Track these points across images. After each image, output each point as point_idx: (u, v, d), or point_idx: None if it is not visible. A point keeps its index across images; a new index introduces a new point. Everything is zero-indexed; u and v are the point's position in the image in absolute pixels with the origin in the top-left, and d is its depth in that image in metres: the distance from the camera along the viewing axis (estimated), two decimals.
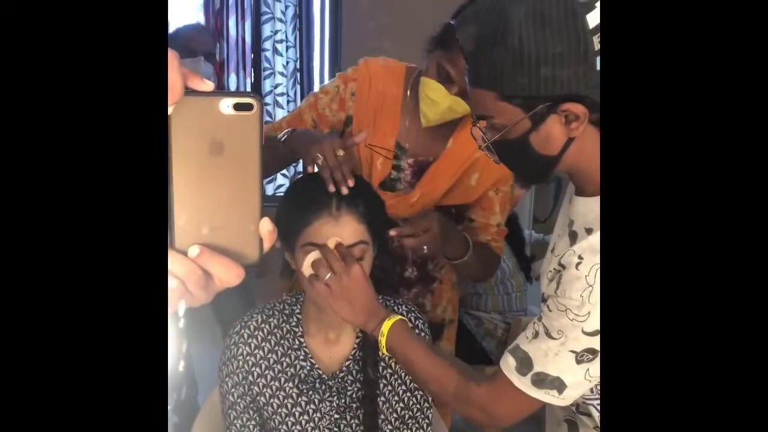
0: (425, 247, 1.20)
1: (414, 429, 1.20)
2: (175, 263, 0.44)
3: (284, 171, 3.36)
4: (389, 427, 1.16)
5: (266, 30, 3.23)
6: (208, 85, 0.45)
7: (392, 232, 1.17)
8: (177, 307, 0.45)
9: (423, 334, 1.20)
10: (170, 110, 0.44)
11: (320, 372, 1.14)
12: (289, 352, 1.14)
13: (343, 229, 1.05)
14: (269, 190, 3.40)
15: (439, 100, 1.22)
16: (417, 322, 1.21)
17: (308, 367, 1.14)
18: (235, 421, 1.13)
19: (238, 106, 0.45)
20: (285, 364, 1.14)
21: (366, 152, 1.32)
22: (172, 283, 0.44)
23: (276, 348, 1.14)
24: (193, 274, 0.45)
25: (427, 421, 1.21)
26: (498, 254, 1.41)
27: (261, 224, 0.46)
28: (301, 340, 1.15)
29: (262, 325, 1.15)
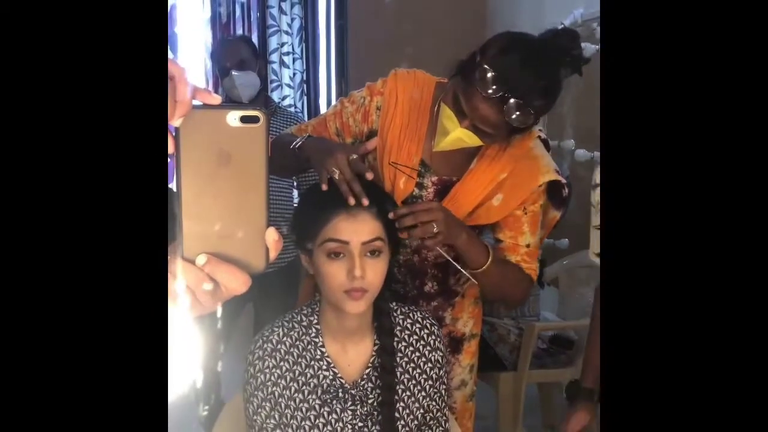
0: (434, 236, 1.16)
1: (436, 430, 1.22)
2: (182, 271, 0.45)
3: None
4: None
5: (273, 42, 3.25)
6: (216, 99, 0.46)
7: (390, 215, 1.13)
8: (188, 313, 0.46)
9: (437, 339, 1.21)
10: (179, 122, 0.45)
11: (342, 381, 1.15)
12: (312, 363, 1.15)
13: (360, 226, 1.08)
14: None
15: (450, 129, 1.19)
16: (432, 328, 1.22)
17: (330, 377, 1.15)
18: None
19: (244, 119, 0.46)
20: (309, 376, 1.14)
21: (389, 170, 1.30)
22: (183, 294, 0.45)
23: (299, 360, 1.15)
24: (201, 282, 0.45)
25: (443, 428, 1.22)
26: (530, 276, 1.33)
27: (267, 234, 0.47)
28: (323, 350, 1.16)
29: (284, 339, 1.15)
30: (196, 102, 0.46)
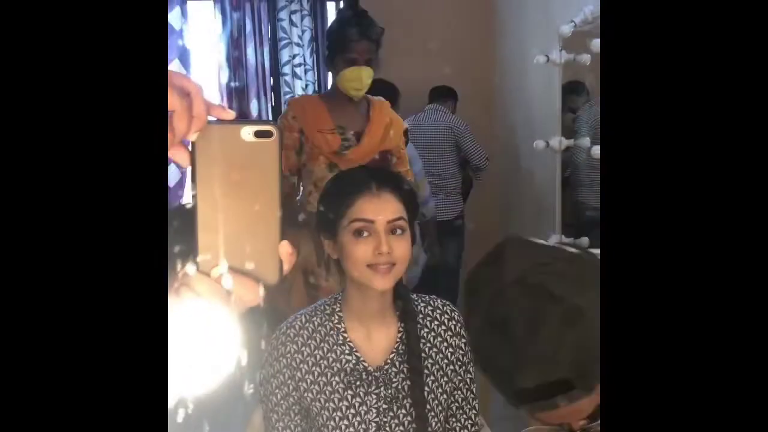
0: None
1: (462, 420, 1.22)
2: (198, 283, 0.46)
3: None
4: (435, 419, 1.18)
5: (284, 55, 3.28)
6: (230, 114, 0.47)
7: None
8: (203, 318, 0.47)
9: (458, 324, 1.23)
10: (195, 137, 0.46)
11: (366, 365, 1.17)
12: (335, 347, 1.17)
13: (385, 206, 1.13)
14: None
15: (358, 76, 1.95)
16: (453, 314, 1.24)
17: (354, 361, 1.17)
18: (278, 424, 1.15)
19: (258, 134, 0.47)
20: (331, 360, 1.17)
21: (320, 136, 1.99)
22: (200, 303, 0.46)
23: (322, 344, 1.17)
24: (216, 293, 0.46)
25: (474, 411, 1.23)
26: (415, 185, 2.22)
27: (281, 246, 0.48)
28: (345, 335, 1.18)
29: (307, 324, 1.19)
30: (210, 117, 0.47)
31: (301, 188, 2.13)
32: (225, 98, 3.23)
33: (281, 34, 3.26)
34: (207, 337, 0.47)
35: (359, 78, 1.97)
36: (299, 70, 3.29)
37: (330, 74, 2.14)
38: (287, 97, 3.28)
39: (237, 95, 3.25)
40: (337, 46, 1.99)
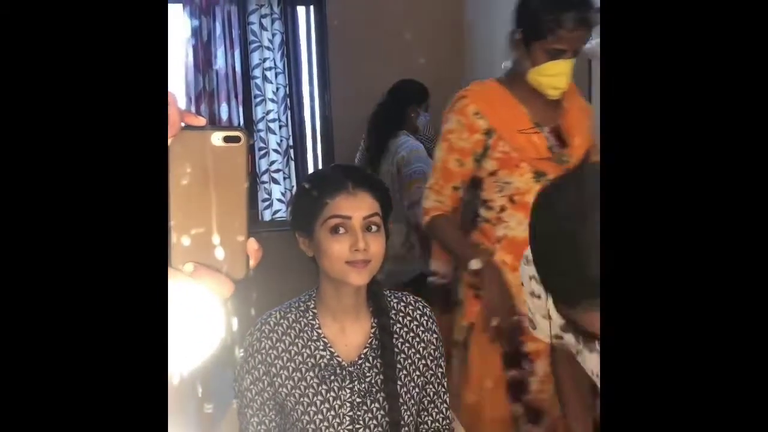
0: None
1: (434, 414, 1.26)
2: (171, 278, 0.48)
3: (280, 196, 3.41)
4: (408, 413, 1.21)
5: (255, 58, 3.28)
6: (201, 120, 0.51)
7: None
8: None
9: (430, 320, 1.26)
10: (169, 142, 0.49)
11: (339, 360, 1.20)
12: (309, 343, 1.20)
13: (360, 203, 1.17)
14: (267, 215, 3.43)
15: (563, 72, 1.54)
16: (425, 309, 1.27)
17: (328, 356, 1.20)
18: (252, 419, 1.18)
19: (227, 139, 0.50)
20: (305, 355, 1.20)
21: (522, 138, 1.60)
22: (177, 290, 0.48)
23: (296, 341, 1.20)
24: (188, 287, 0.49)
25: (446, 405, 1.26)
26: None
27: (248, 243, 0.51)
28: (319, 331, 1.22)
29: (281, 321, 1.21)
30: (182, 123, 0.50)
31: (483, 204, 1.63)
32: (195, 102, 3.22)
33: (251, 37, 3.26)
34: (194, 317, 0.49)
35: (564, 74, 1.54)
36: (270, 74, 3.30)
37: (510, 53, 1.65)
38: (258, 100, 3.28)
39: (207, 98, 3.24)
40: (538, 30, 1.51)
